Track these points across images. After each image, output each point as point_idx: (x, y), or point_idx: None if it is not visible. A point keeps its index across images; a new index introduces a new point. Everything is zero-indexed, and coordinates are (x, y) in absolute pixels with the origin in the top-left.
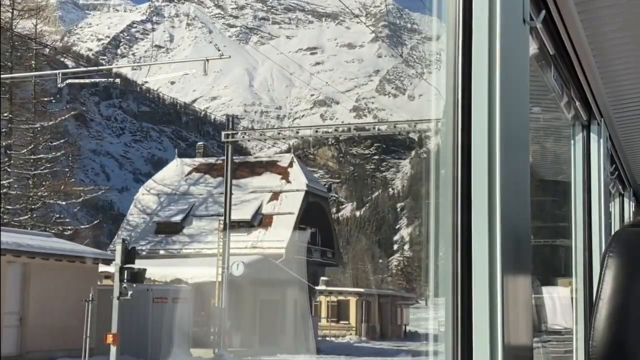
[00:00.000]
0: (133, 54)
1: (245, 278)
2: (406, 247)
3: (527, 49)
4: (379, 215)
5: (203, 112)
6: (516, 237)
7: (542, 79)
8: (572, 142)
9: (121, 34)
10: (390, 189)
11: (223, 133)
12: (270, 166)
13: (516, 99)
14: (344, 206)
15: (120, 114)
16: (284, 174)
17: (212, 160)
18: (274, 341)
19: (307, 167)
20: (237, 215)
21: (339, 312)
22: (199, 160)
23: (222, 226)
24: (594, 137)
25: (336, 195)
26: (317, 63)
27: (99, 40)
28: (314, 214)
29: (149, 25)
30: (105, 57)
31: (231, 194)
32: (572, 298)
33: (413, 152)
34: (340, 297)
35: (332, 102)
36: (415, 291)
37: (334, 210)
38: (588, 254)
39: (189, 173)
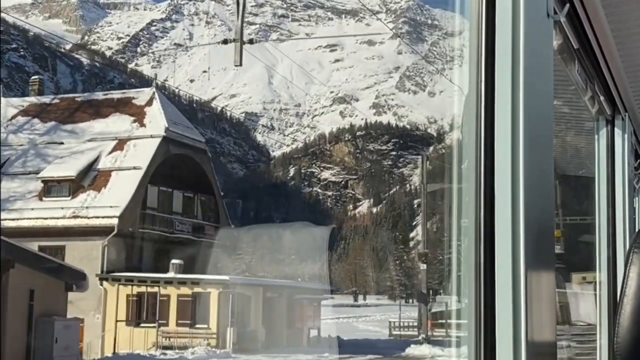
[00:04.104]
0: (152, 52)
1: None
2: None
3: (551, 43)
4: (395, 212)
5: (220, 109)
6: (540, 233)
7: (565, 73)
8: (596, 137)
9: (141, 33)
10: (407, 185)
11: None
12: (121, 105)
13: (540, 93)
14: (360, 203)
15: None
16: (139, 115)
17: (46, 99)
18: None
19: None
20: (58, 171)
21: (194, 311)
22: (30, 100)
23: (43, 189)
24: (618, 132)
25: (352, 192)
26: (337, 60)
27: (119, 38)
28: (182, 172)
29: (168, 24)
30: (124, 56)
31: None
32: (595, 295)
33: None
34: (198, 289)
35: (351, 99)
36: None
37: (350, 207)
38: (612, 250)
39: (13, 117)
